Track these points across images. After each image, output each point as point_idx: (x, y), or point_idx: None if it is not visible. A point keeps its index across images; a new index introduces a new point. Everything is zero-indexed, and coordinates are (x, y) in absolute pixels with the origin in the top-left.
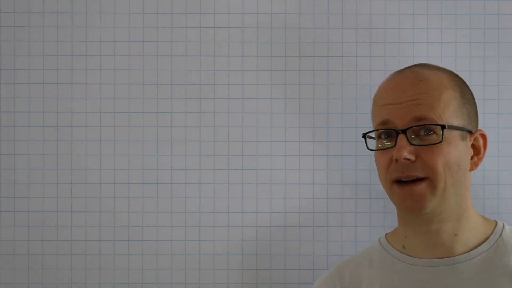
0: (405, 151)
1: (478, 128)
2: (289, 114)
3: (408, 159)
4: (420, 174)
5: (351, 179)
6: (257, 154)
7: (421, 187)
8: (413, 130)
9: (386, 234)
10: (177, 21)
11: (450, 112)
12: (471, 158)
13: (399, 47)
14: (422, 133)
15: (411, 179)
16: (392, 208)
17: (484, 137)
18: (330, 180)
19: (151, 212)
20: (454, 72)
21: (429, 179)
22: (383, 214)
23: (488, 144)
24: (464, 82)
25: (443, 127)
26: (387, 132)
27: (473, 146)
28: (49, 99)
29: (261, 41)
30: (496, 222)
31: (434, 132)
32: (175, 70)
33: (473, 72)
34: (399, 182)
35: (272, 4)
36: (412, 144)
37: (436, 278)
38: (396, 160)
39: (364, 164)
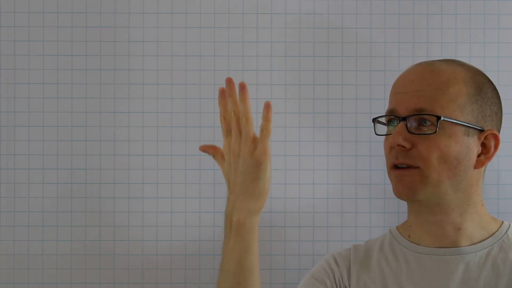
0: (400, 138)
1: (500, 130)
2: (289, 114)
3: (402, 146)
4: (412, 163)
5: (351, 179)
6: None
7: (411, 173)
8: (415, 120)
9: (397, 226)
10: (177, 21)
11: (455, 106)
12: (478, 156)
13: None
14: (422, 123)
15: (404, 166)
16: (392, 208)
17: (496, 137)
18: (330, 180)
19: (151, 212)
20: (482, 71)
21: (420, 169)
22: (383, 214)
23: None
24: (487, 82)
25: (438, 118)
26: (394, 120)
27: (483, 144)
28: (49, 99)
29: (261, 41)
30: (503, 222)
31: (432, 124)
32: (175, 70)
33: None
34: (395, 168)
35: (272, 4)
36: (410, 133)
37: (441, 266)
38: (394, 146)
39: (364, 164)
